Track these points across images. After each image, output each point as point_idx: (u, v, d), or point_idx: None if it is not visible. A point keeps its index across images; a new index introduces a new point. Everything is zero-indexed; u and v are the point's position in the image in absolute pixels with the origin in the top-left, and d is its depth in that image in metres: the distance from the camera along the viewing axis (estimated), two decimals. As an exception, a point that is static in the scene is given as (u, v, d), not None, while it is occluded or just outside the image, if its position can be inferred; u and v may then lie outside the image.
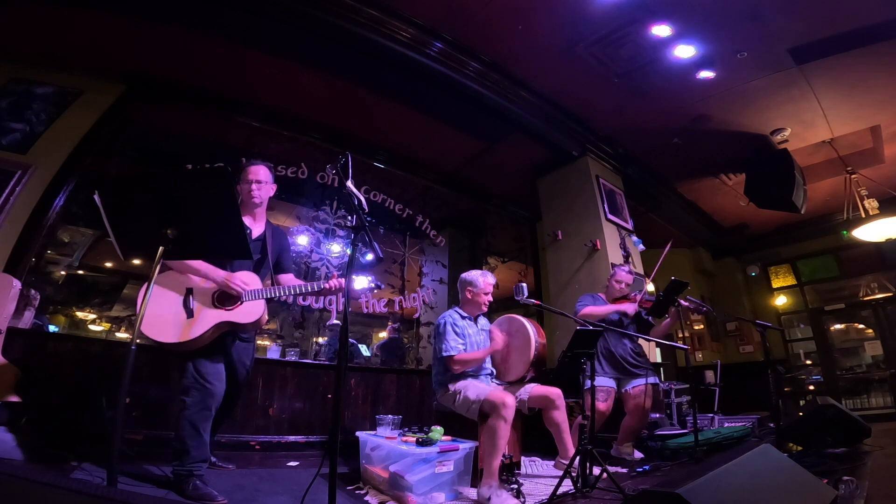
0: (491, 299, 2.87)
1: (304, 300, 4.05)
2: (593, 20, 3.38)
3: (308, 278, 4.13)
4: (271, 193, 2.42)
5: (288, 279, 2.38)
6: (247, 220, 2.31)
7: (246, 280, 2.13)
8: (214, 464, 2.46)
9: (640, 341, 3.44)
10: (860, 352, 6.65)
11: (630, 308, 3.28)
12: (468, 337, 2.72)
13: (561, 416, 2.64)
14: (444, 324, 2.70)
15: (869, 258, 6.40)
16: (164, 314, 1.97)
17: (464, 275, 2.93)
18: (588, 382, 2.41)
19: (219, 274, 2.09)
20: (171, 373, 2.81)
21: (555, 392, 2.64)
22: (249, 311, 2.09)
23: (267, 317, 2.23)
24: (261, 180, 2.34)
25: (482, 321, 2.92)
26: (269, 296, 2.13)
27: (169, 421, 2.70)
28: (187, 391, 1.99)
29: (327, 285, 2.21)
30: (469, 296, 2.85)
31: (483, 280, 2.84)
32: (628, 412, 3.27)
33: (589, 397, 2.45)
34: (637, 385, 3.26)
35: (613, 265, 4.42)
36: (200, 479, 1.93)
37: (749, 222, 6.92)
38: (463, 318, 2.81)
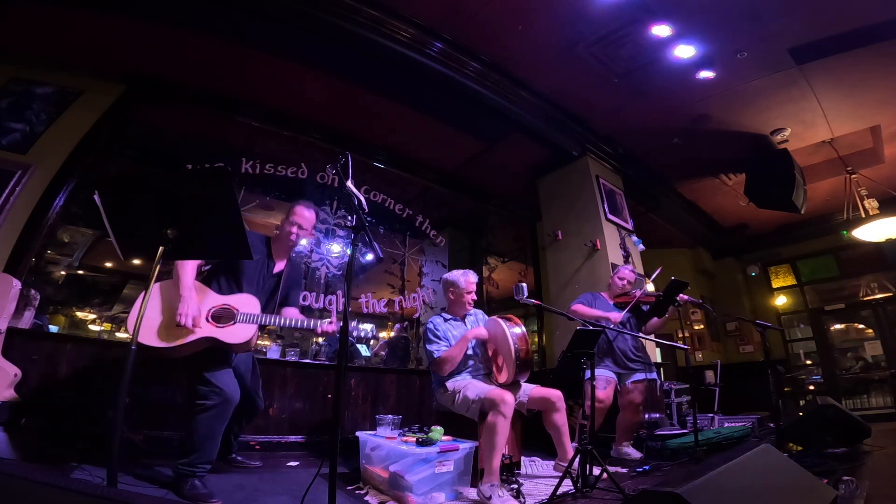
0: (475, 297, 2.84)
1: (303, 300, 4.05)
2: (593, 20, 3.38)
3: (308, 278, 4.14)
4: (308, 238, 2.49)
5: (292, 313, 2.43)
6: (274, 254, 2.41)
7: (242, 301, 2.15)
8: (241, 462, 2.58)
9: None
10: (860, 352, 6.65)
11: (615, 317, 3.30)
12: (454, 338, 2.68)
13: (561, 418, 2.63)
14: (426, 330, 2.72)
15: (869, 258, 6.40)
16: (154, 317, 2.03)
17: (445, 275, 2.91)
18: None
19: (186, 281, 2.06)
20: (172, 373, 2.81)
21: (555, 394, 2.63)
22: (238, 333, 2.10)
23: (257, 341, 2.25)
24: (304, 227, 2.42)
25: (472, 319, 2.88)
26: (263, 322, 2.16)
27: (169, 421, 2.71)
28: (206, 396, 2.02)
29: (323, 328, 2.25)
30: (452, 296, 2.82)
31: (464, 279, 2.80)
32: (622, 408, 3.30)
33: (589, 391, 2.45)
34: (634, 380, 3.28)
35: (615, 265, 4.43)
36: (201, 479, 1.95)
37: (749, 222, 6.92)
38: (447, 320, 2.79)
